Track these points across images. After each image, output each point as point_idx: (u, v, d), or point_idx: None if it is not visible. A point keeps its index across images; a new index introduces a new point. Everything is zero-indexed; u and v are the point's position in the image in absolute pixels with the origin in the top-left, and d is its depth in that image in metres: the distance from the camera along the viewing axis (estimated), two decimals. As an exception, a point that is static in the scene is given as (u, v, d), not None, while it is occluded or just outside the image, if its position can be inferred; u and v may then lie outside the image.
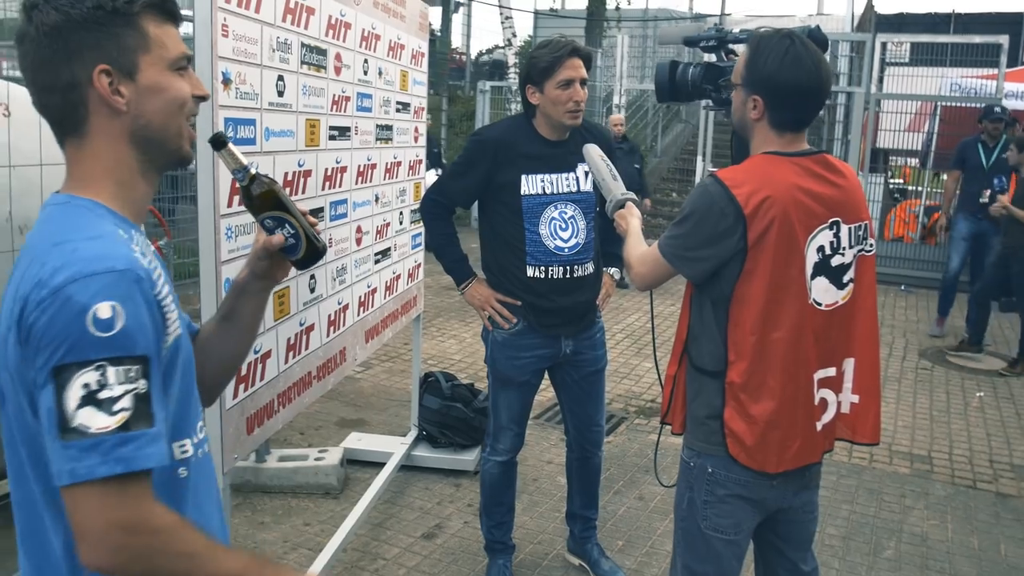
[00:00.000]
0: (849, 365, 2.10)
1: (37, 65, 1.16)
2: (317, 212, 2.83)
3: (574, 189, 2.90)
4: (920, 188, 10.69)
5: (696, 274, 2.03)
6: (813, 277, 2.00)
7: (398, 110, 3.67)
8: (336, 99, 2.92)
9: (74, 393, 1.02)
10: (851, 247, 2.06)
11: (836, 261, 2.03)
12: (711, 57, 2.41)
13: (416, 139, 3.99)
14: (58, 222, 1.14)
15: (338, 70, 2.92)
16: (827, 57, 2.13)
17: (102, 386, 1.03)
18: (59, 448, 1.02)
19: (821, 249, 2.00)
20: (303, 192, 2.69)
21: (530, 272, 2.89)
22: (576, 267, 2.93)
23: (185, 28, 1.38)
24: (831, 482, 4.18)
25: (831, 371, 2.08)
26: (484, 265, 3.06)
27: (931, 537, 3.81)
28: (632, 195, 2.44)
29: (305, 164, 2.68)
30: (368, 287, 3.44)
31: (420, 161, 4.08)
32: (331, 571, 3.27)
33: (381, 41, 3.36)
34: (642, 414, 5.31)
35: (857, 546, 3.66)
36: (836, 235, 2.02)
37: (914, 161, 11.53)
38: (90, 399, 1.02)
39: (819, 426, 2.08)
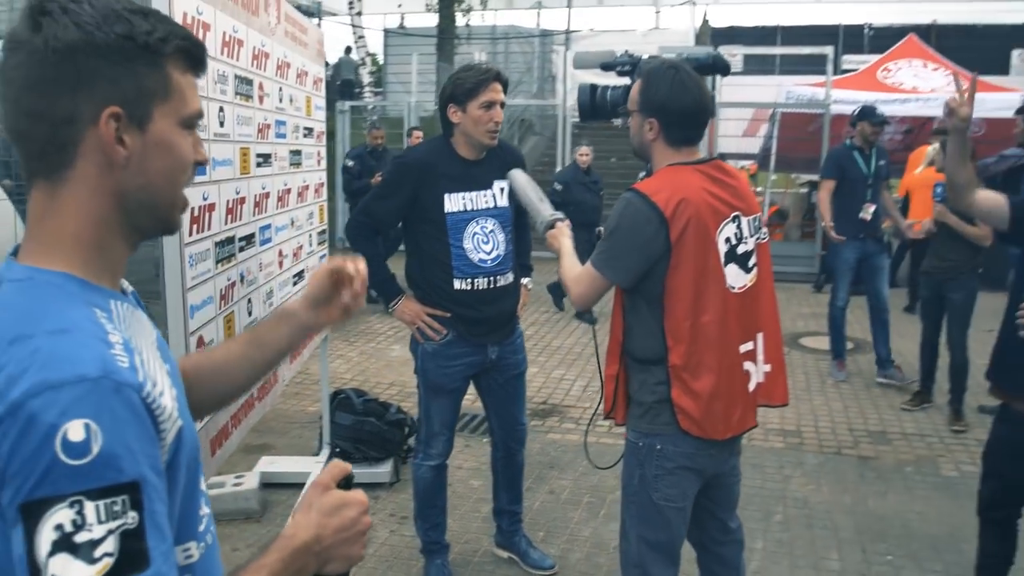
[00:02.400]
0: (760, 339, 2.41)
1: (31, 83, 0.94)
2: (250, 238, 2.91)
3: (492, 205, 3.12)
4: (761, 188, 11.59)
5: (629, 279, 2.31)
6: (725, 264, 2.30)
7: (305, 135, 3.77)
8: (260, 127, 3.02)
9: (45, 538, 0.81)
10: (751, 236, 2.38)
11: (741, 249, 2.34)
12: (626, 80, 2.68)
13: (319, 162, 4.10)
14: (16, 309, 0.92)
15: (261, 99, 3.02)
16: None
17: (78, 527, 0.81)
18: None
19: (728, 240, 2.31)
20: (240, 219, 2.78)
21: (457, 285, 3.08)
22: (499, 277, 3.14)
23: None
24: (720, 460, 4.59)
25: (750, 345, 2.38)
26: (410, 282, 3.23)
27: (811, 500, 4.28)
28: (560, 215, 2.67)
29: (240, 192, 2.77)
30: (289, 308, 3.52)
31: (323, 184, 4.19)
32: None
33: (291, 69, 3.47)
34: (536, 416, 5.57)
35: (751, 514, 4.06)
36: (739, 227, 2.34)
37: (747, 162, 12.46)
38: (64, 544, 0.81)
39: (748, 393, 2.39)
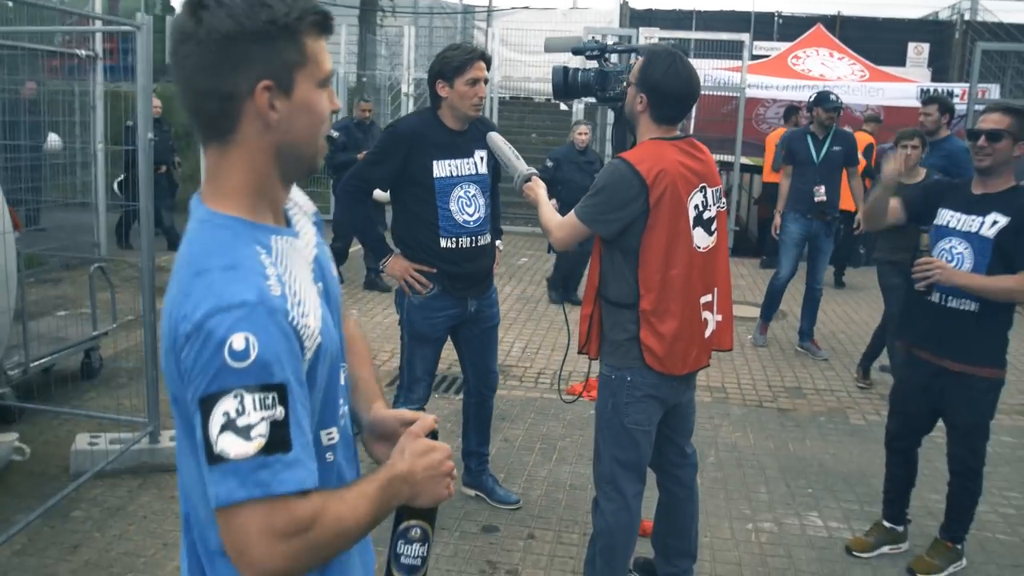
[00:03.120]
0: (715, 292, 2.82)
1: (199, 69, 1.16)
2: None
3: (474, 172, 3.42)
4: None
5: (610, 232, 2.68)
6: (694, 227, 2.69)
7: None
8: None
9: (216, 421, 1.07)
10: (714, 204, 2.77)
11: (707, 215, 2.74)
12: (594, 63, 3.03)
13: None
14: (199, 244, 1.18)
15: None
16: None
17: (239, 413, 1.07)
18: (207, 472, 1.09)
19: (697, 207, 2.70)
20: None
21: (443, 243, 3.38)
22: (479, 237, 3.46)
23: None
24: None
25: (708, 297, 2.79)
26: (398, 240, 3.51)
27: (739, 444, 4.77)
28: (534, 170, 3.01)
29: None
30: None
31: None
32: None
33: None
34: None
35: (688, 457, 4.51)
36: (705, 196, 2.73)
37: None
38: (229, 426, 1.07)
39: (704, 337, 2.80)
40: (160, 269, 8.54)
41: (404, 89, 12.59)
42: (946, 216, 3.25)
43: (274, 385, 1.09)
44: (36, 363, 4.68)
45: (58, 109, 7.90)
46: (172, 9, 15.17)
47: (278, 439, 1.09)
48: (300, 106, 1.20)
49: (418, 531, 1.35)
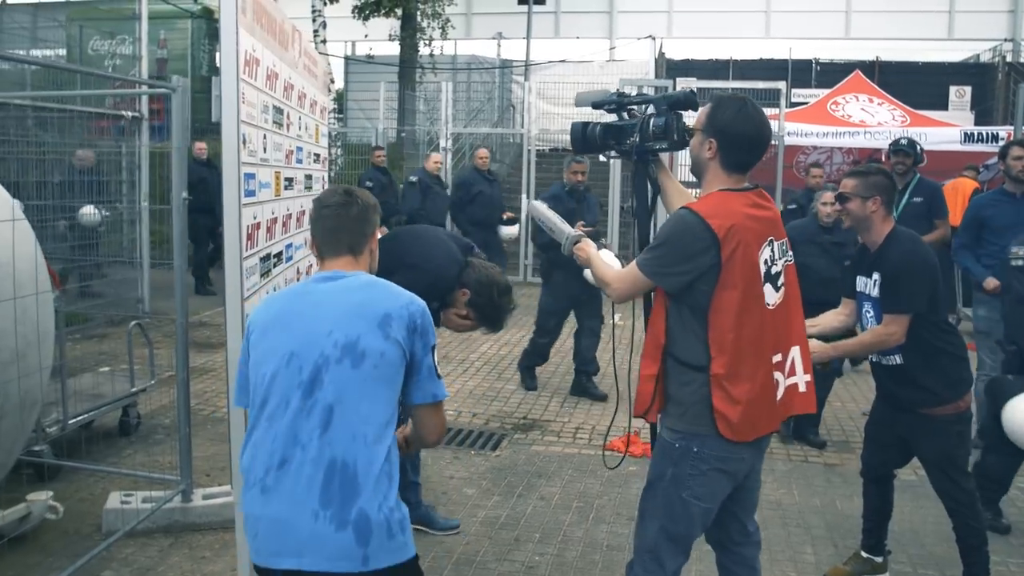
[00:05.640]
0: (796, 352, 2.63)
1: (357, 219, 2.27)
2: (280, 255, 3.13)
3: None
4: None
5: (674, 286, 2.53)
6: (764, 284, 2.54)
7: (314, 160, 4.01)
8: (287, 153, 3.25)
9: (435, 358, 2.12)
10: (781, 258, 2.62)
11: (774, 270, 2.59)
12: (612, 117, 2.97)
13: (323, 186, 4.32)
14: (380, 288, 2.22)
15: (288, 127, 3.26)
16: None
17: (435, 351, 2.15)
18: (434, 382, 2.12)
19: (766, 262, 2.55)
20: (274, 237, 3.00)
21: None
22: None
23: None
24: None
25: (779, 356, 2.59)
26: None
27: (783, 502, 4.59)
28: (580, 232, 2.97)
29: (275, 212, 3.00)
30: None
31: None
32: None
33: (306, 99, 3.71)
34: (518, 430, 5.81)
35: (730, 516, 4.35)
36: (772, 250, 2.58)
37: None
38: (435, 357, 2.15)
39: (776, 401, 2.59)
40: (202, 325, 8.70)
41: (442, 144, 12.73)
42: (859, 283, 3.47)
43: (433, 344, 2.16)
44: (74, 420, 4.72)
45: (106, 169, 8.15)
46: (217, 70, 15.68)
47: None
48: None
49: None
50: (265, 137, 2.77)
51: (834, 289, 4.06)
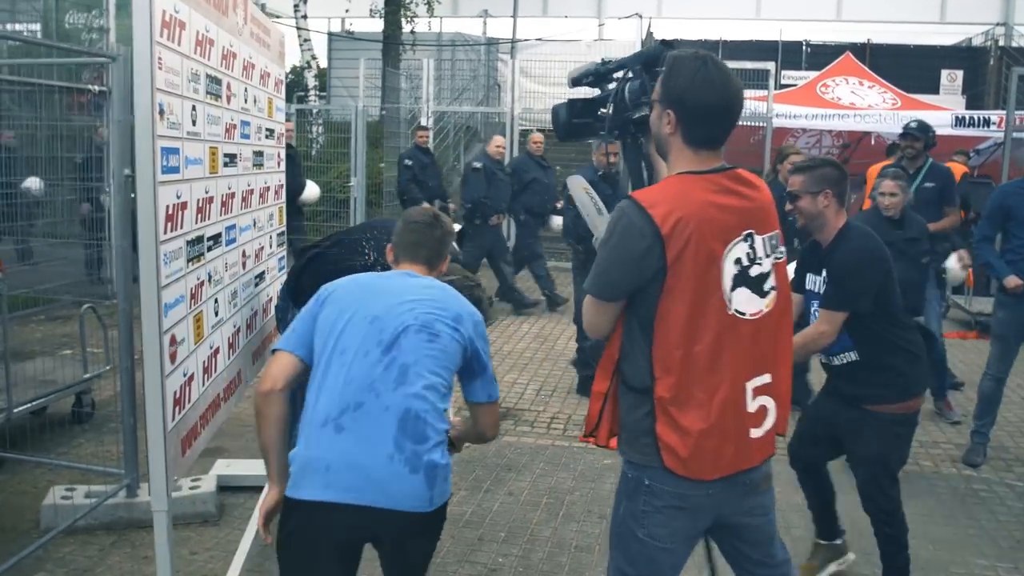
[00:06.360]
0: (775, 373, 2.14)
1: (443, 238, 2.54)
2: (217, 238, 2.89)
3: None
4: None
5: (614, 295, 2.08)
6: (734, 288, 2.04)
7: (266, 136, 3.76)
8: (227, 127, 3.01)
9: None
10: (767, 256, 2.11)
11: (755, 271, 2.08)
12: (595, 92, 2.67)
13: (278, 164, 4.08)
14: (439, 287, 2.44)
15: (229, 99, 3.00)
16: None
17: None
18: (494, 384, 2.39)
19: (739, 261, 2.05)
20: (208, 218, 2.76)
21: None
22: None
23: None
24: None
25: (766, 378, 2.10)
26: None
27: (762, 499, 4.40)
28: None
29: (208, 191, 2.76)
30: (251, 310, 3.50)
31: (282, 186, 4.17)
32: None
33: (255, 70, 3.45)
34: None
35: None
36: (751, 246, 2.07)
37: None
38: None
39: (758, 432, 2.10)
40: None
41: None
42: (808, 281, 3.35)
43: None
44: (20, 408, 4.49)
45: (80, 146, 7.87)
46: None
47: None
48: None
49: None
50: (195, 109, 2.52)
51: (917, 295, 3.93)
